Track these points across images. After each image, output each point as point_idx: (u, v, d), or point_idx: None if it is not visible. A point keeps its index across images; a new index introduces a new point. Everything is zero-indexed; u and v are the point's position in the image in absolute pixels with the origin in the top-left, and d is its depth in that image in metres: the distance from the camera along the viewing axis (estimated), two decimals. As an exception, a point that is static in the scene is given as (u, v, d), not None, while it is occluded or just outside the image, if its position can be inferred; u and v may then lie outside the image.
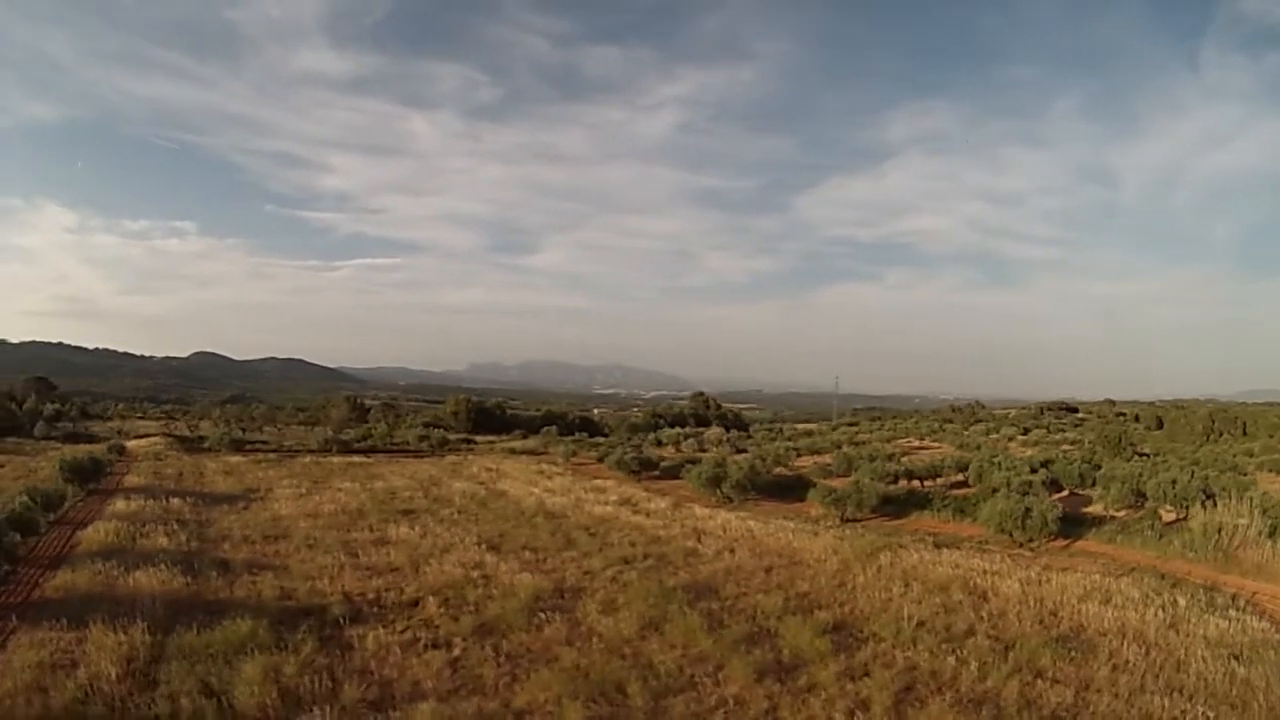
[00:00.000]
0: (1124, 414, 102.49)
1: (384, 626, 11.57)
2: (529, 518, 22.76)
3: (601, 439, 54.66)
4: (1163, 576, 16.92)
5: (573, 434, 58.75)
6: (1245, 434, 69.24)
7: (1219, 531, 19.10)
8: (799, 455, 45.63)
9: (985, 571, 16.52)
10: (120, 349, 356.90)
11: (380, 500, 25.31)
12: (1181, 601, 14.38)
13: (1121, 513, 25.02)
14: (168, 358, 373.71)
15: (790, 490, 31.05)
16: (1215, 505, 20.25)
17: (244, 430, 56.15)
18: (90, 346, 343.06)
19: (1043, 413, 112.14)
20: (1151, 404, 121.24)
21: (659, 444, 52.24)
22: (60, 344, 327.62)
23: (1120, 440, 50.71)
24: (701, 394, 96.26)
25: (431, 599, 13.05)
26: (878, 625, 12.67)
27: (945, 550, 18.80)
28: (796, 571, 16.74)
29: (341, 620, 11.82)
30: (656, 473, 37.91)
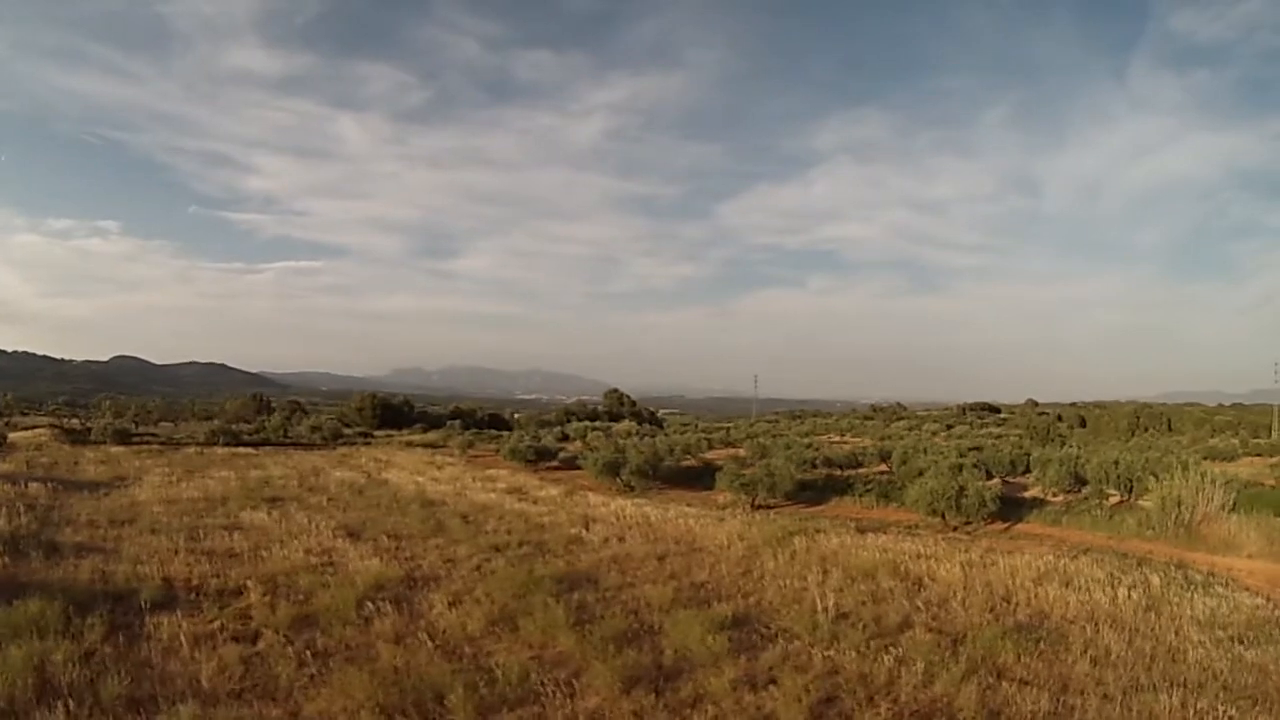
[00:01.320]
0: (1046, 414, 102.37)
1: (191, 614, 10.03)
2: (403, 505, 20.42)
3: (506, 433, 51.63)
4: (1123, 556, 14.98)
5: (479, 429, 55.72)
6: (1170, 429, 69.25)
7: (1178, 506, 17.14)
8: (711, 446, 43.03)
9: (918, 555, 14.18)
10: (40, 352, 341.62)
11: (250, 488, 23.22)
12: (1155, 580, 12.33)
13: (1059, 497, 22.97)
14: (88, 361, 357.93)
15: (699, 479, 28.62)
16: (1172, 480, 18.09)
17: (136, 424, 52.89)
18: (9, 349, 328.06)
19: (965, 412, 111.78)
20: (1073, 405, 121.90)
21: (565, 437, 49.35)
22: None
23: (1049, 432, 49.53)
24: (615, 390, 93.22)
25: (258, 586, 11.27)
26: (789, 619, 9.98)
27: (870, 535, 16.46)
28: (695, 559, 14.16)
29: (144, 606, 10.19)
30: (555, 463, 35.59)
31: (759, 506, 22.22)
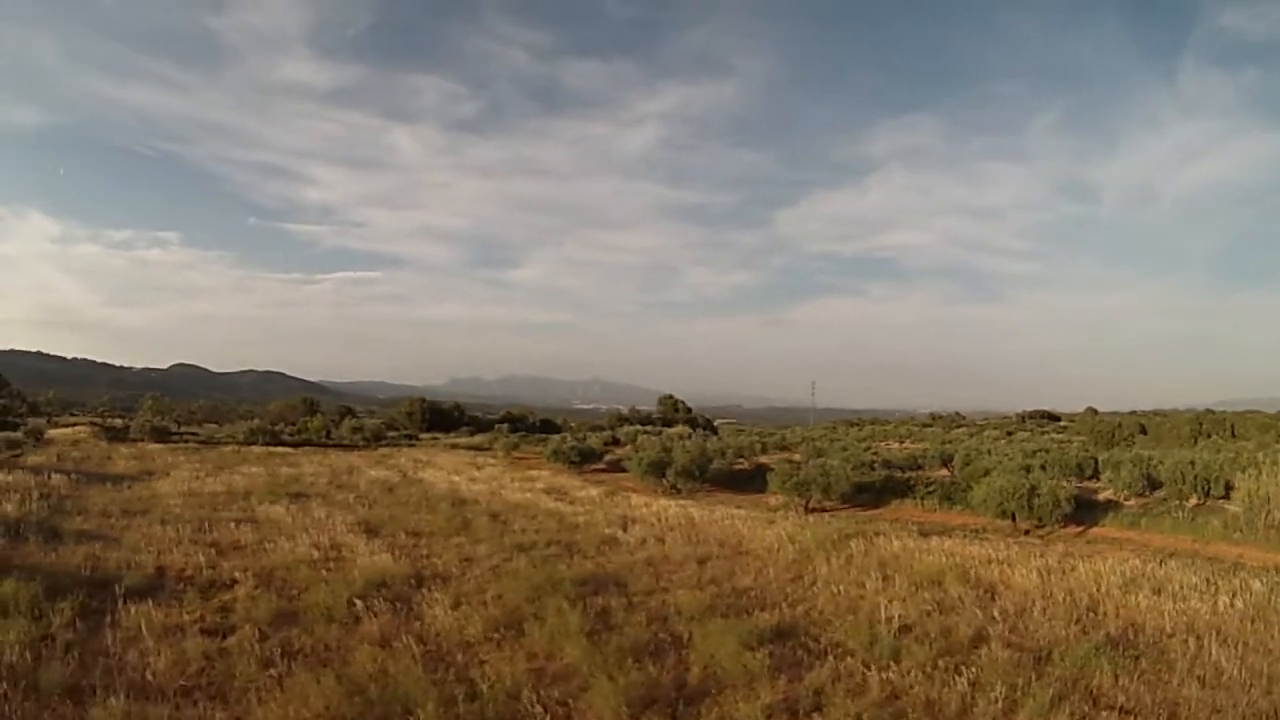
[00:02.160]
0: (1105, 421, 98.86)
1: (171, 604, 9.40)
2: (432, 503, 19.44)
3: (555, 436, 50.65)
4: (1213, 561, 13.60)
5: (529, 433, 54.80)
6: (1234, 436, 66.19)
7: (1268, 505, 15.68)
8: (765, 450, 41.28)
9: (988, 560, 12.70)
10: (99, 359, 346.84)
11: (278, 484, 22.64)
12: (1257, 586, 10.73)
13: (1132, 500, 21.24)
14: (146, 369, 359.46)
15: (750, 482, 27.27)
16: (1259, 476, 16.47)
17: (179, 424, 53.69)
18: (69, 356, 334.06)
19: (1024, 420, 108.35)
20: (1132, 413, 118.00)
21: (616, 441, 48.05)
22: (38, 353, 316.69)
23: (1113, 436, 47.32)
24: (670, 397, 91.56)
25: (250, 579, 10.68)
26: (843, 631, 8.65)
27: (934, 539, 15.02)
28: (739, 563, 12.85)
29: (120, 593, 9.54)
30: (600, 465, 34.29)
31: (813, 509, 20.92)
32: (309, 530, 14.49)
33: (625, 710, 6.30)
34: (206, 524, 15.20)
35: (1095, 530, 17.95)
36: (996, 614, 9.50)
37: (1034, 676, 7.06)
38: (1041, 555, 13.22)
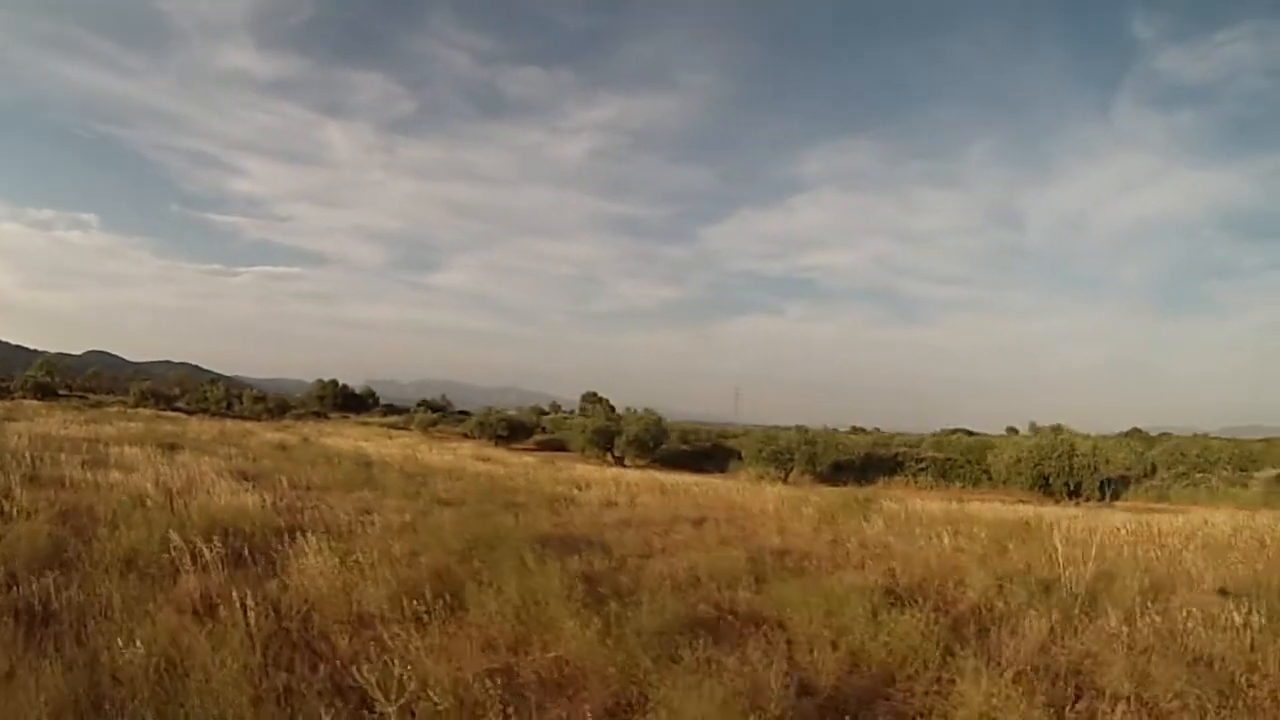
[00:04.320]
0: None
1: None
2: (334, 461, 15.63)
3: (478, 411, 47.74)
4: None
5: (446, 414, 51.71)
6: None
7: None
8: (711, 437, 38.81)
9: (1059, 517, 10.20)
10: (14, 342, 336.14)
11: (152, 435, 18.86)
12: None
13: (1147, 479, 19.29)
14: (60, 354, 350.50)
15: (709, 459, 24.23)
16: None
17: (69, 387, 50.52)
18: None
19: (949, 435, 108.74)
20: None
21: (543, 429, 45.39)
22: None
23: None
24: (593, 394, 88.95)
25: (51, 511, 7.81)
26: (985, 591, 5.66)
27: (972, 503, 12.22)
28: (750, 525, 9.91)
29: None
30: (530, 444, 31.40)
31: (791, 485, 18.01)
32: (160, 470, 11.22)
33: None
34: (46, 461, 12.16)
35: (1121, 504, 16.09)
36: (1156, 558, 7.26)
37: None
38: (1111, 515, 10.82)
